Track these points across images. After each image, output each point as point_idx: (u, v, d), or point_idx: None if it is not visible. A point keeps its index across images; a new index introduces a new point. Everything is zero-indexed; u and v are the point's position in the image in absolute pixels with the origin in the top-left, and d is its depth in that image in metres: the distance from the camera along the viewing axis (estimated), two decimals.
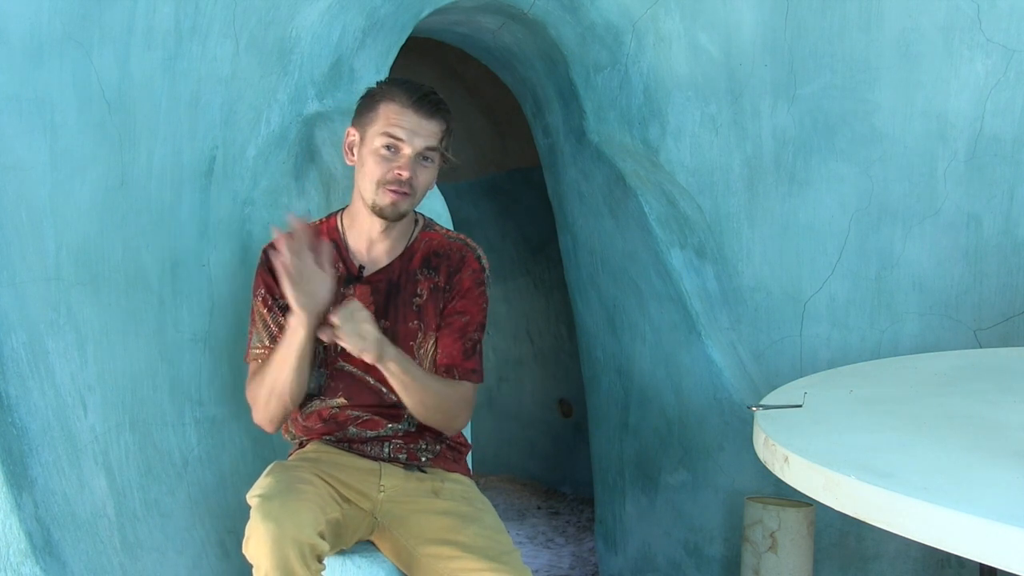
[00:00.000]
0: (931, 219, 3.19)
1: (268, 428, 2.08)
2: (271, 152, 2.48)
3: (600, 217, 3.39)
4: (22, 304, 1.97)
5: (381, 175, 2.01)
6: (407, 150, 2.01)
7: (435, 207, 2.59)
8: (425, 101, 2.02)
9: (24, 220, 1.99)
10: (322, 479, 1.98)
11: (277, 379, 1.99)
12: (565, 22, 3.22)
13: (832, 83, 3.20)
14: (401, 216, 2.05)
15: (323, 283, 1.94)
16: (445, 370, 2.09)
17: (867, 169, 3.20)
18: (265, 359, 2.04)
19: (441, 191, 2.72)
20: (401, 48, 2.89)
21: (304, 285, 1.91)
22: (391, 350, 1.95)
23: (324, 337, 1.94)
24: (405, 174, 2.00)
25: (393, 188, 2.00)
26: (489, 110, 4.79)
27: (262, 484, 1.88)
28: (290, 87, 2.50)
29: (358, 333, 1.91)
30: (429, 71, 4.63)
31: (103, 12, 2.10)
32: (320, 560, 1.82)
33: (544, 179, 3.80)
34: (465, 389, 2.09)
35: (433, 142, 2.03)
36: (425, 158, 2.04)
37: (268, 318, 2.08)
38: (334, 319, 1.90)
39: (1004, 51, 3.11)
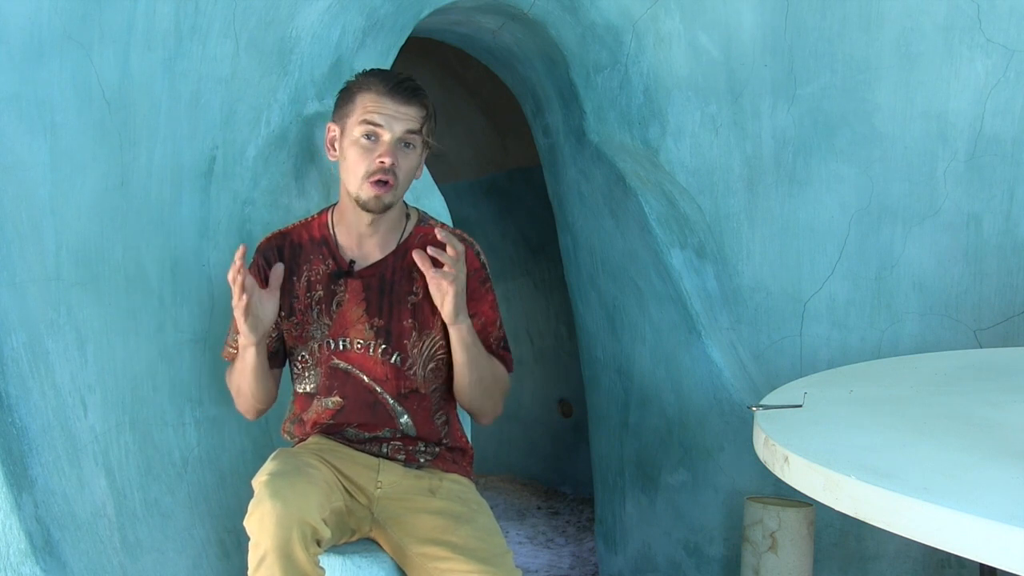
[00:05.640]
0: (931, 219, 3.19)
1: (248, 418, 2.18)
2: (271, 152, 2.48)
3: (600, 217, 3.38)
4: (22, 304, 1.97)
5: (365, 168, 1.99)
6: (387, 136, 1.99)
7: (435, 207, 2.59)
8: (401, 87, 2.00)
9: (24, 220, 1.99)
10: (328, 467, 1.99)
11: (241, 386, 2.09)
12: (565, 22, 3.22)
13: (832, 83, 3.20)
14: (386, 208, 2.02)
15: (271, 305, 2.00)
16: None
17: (867, 169, 3.20)
18: (233, 359, 2.13)
19: (441, 191, 2.71)
20: (401, 48, 2.89)
21: (254, 311, 1.96)
22: (465, 316, 2.02)
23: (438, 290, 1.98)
24: (388, 160, 1.98)
25: (376, 179, 1.98)
26: (489, 110, 4.79)
27: (269, 467, 1.88)
28: (290, 87, 2.49)
29: (456, 292, 1.97)
30: (429, 71, 4.63)
31: (103, 12, 2.10)
32: (319, 544, 1.83)
33: (544, 179, 3.80)
34: (505, 372, 2.15)
35: (413, 126, 2.01)
36: (407, 144, 2.01)
37: None
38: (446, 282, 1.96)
39: (1004, 51, 3.11)
